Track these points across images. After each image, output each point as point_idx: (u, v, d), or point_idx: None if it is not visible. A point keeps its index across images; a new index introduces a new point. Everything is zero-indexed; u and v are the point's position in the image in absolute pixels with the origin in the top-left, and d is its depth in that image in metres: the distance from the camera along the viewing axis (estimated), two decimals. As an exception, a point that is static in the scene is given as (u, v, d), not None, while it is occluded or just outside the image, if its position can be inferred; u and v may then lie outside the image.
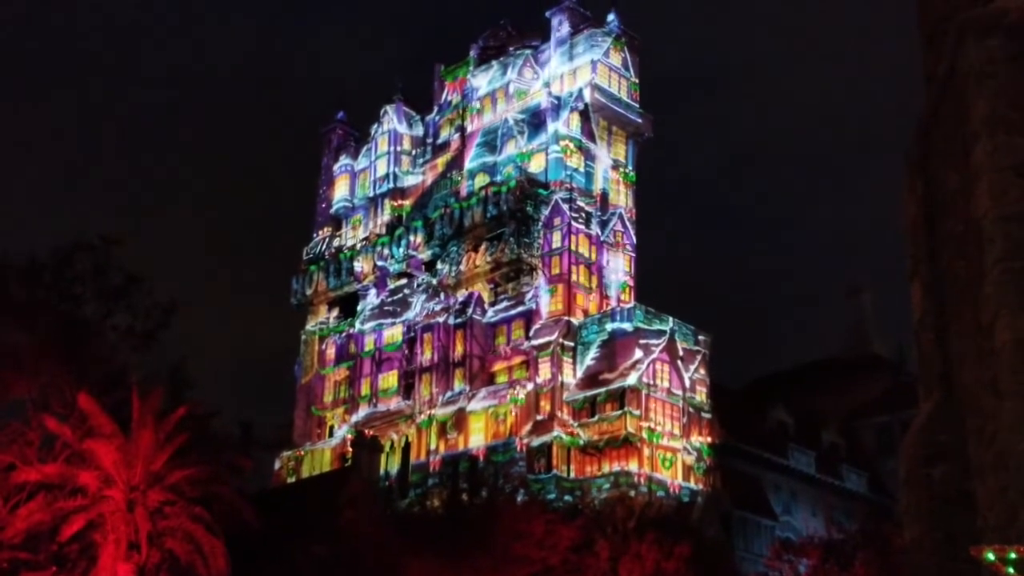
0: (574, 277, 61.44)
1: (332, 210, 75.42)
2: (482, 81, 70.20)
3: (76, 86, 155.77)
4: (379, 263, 69.43)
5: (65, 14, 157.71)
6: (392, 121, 73.67)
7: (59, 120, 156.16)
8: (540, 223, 63.00)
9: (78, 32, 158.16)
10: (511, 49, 70.10)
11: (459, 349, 63.34)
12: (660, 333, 57.63)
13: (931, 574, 14.97)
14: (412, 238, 68.33)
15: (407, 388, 65.15)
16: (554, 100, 65.71)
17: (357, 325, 68.82)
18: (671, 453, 55.80)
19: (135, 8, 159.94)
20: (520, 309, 62.29)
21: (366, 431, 57.24)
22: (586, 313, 60.99)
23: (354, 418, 66.37)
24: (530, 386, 59.42)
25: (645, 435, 55.17)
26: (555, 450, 56.67)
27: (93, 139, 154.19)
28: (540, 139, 65.61)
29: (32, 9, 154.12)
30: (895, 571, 37.43)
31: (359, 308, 69.68)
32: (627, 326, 58.17)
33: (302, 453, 68.18)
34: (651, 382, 56.32)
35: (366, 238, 71.72)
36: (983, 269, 13.36)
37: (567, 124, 64.74)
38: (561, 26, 67.80)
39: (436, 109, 73.18)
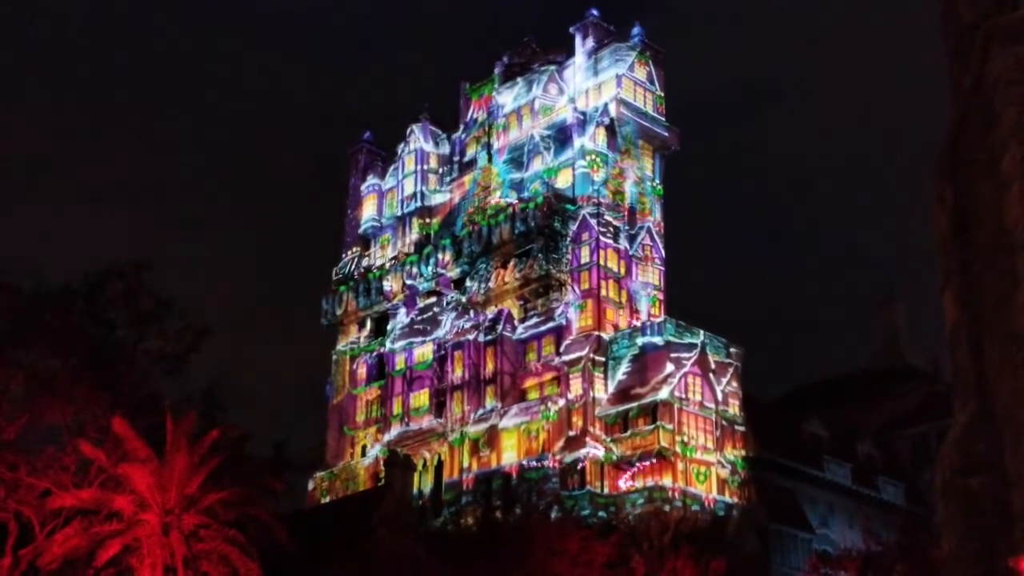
0: (603, 292, 61.31)
1: (360, 230, 75.65)
2: (507, 98, 70.30)
3: (99, 108, 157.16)
4: (408, 282, 69.55)
5: (92, 33, 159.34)
6: (418, 140, 73.88)
7: (83, 144, 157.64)
8: (568, 238, 62.94)
9: (108, 54, 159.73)
10: (536, 65, 70.17)
11: (490, 366, 63.32)
12: (691, 346, 57.38)
13: (970, 587, 14.81)
14: (440, 256, 68.40)
15: (439, 406, 65.16)
16: (580, 115, 65.71)
17: (387, 344, 68.94)
18: (705, 467, 55.49)
19: (156, 27, 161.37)
20: (550, 325, 62.21)
21: (399, 450, 57.29)
22: (616, 328, 60.82)
23: (386, 437, 66.42)
24: (562, 402, 59.31)
25: (678, 449, 54.89)
26: (588, 466, 56.48)
27: (119, 163, 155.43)
28: (566, 154, 65.60)
29: (64, 27, 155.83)
30: (934, 583, 37.06)
31: (389, 327, 69.81)
32: (658, 340, 57.93)
33: (335, 473, 68.30)
34: (683, 396, 56.07)
35: (395, 257, 71.87)
36: (1016, 278, 13.25)
37: (593, 139, 64.71)
38: (585, 41, 67.83)
39: (462, 127, 73.34)
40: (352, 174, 78.04)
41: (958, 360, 15.80)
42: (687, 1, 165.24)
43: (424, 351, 66.85)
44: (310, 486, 68.19)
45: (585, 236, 62.46)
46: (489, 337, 63.64)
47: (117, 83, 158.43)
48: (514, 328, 63.60)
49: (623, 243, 63.04)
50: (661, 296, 63.42)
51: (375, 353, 70.67)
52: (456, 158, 73.02)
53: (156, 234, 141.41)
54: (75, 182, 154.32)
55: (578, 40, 68.27)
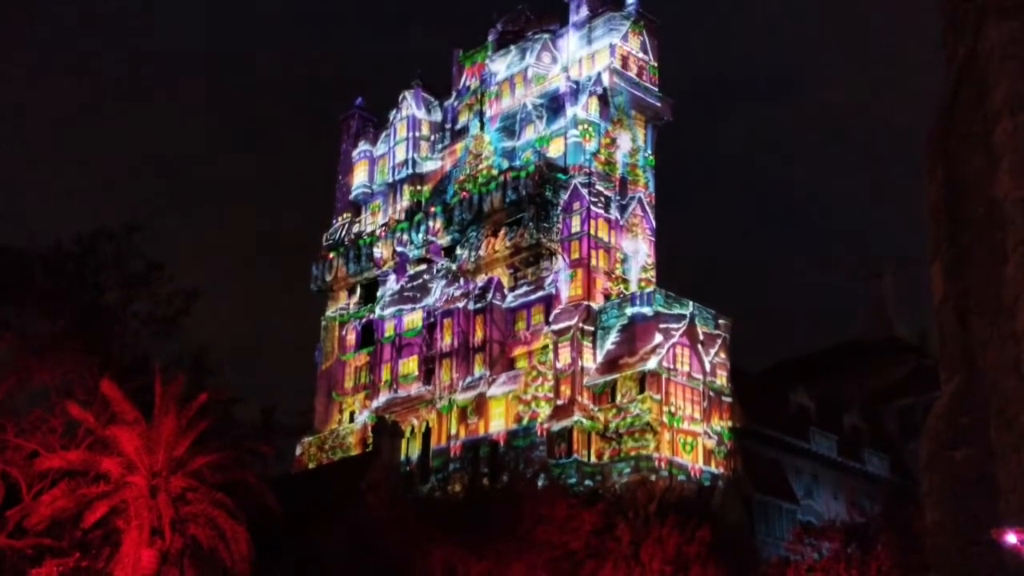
0: (593, 262, 61.35)
1: (351, 196, 75.49)
2: (500, 66, 70.05)
3: (95, 68, 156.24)
4: (398, 249, 69.51)
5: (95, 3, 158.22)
6: (411, 107, 73.62)
7: (71, 106, 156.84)
8: (559, 208, 62.90)
9: (98, 13, 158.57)
10: (529, 33, 69.86)
11: (479, 334, 63.39)
12: (680, 317, 57.50)
13: (953, 557, 14.94)
14: (431, 223, 68.34)
15: (427, 373, 65.27)
16: (572, 84, 65.51)
17: (377, 311, 68.96)
18: (692, 437, 55.75)
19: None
20: (540, 294, 62.26)
21: (387, 416, 57.40)
22: (606, 297, 60.89)
23: (375, 404, 66.56)
24: (550, 372, 59.43)
25: (666, 419, 55.12)
26: (576, 435, 56.69)
27: (107, 124, 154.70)
28: (559, 123, 65.45)
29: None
30: (917, 554, 37.32)
31: (379, 294, 69.82)
32: (647, 310, 58.04)
33: (323, 438, 68.45)
34: (671, 366, 56.25)
35: (385, 224, 71.78)
36: (1005, 251, 13.30)
37: (586, 108, 64.53)
38: (579, 10, 67.54)
39: (455, 94, 73.08)
40: (344, 140, 77.81)
41: (945, 333, 15.86)
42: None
43: (413, 318, 66.90)
44: (298, 451, 68.36)
45: (576, 205, 62.43)
46: (479, 305, 63.69)
47: (101, 39, 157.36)
48: (504, 296, 63.64)
49: (614, 213, 63.03)
50: (651, 266, 63.49)
51: (364, 320, 70.72)
52: (448, 125, 72.79)
53: (148, 198, 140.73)
54: (64, 150, 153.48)
55: (572, 8, 67.97)
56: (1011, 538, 12.42)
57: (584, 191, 62.23)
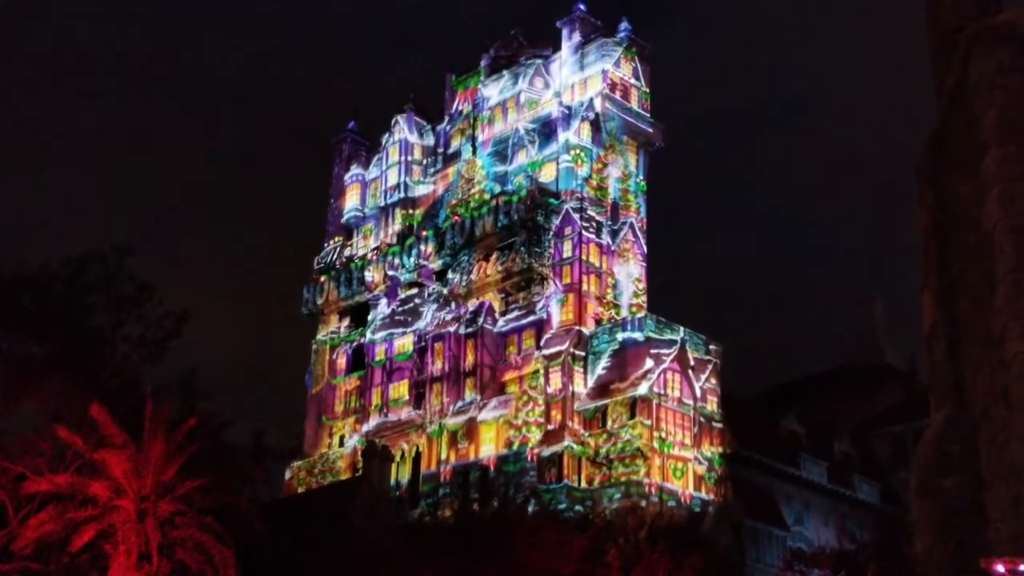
0: (585, 286, 61.41)
1: (343, 220, 75.54)
2: (493, 91, 70.25)
3: (82, 92, 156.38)
4: (390, 272, 69.49)
5: (67, 17, 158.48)
6: (403, 131, 73.76)
7: (67, 128, 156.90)
8: (551, 232, 62.99)
9: (88, 35, 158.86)
10: (522, 59, 70.14)
11: (470, 358, 63.33)
12: (671, 343, 57.54)
13: (943, 586, 14.90)
14: (423, 247, 68.37)
15: (418, 398, 65.17)
16: (565, 110, 65.72)
17: (368, 335, 68.88)
18: (682, 463, 55.66)
19: (142, 10, 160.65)
20: (531, 319, 62.26)
21: (377, 441, 57.24)
22: (597, 322, 60.93)
23: (365, 428, 66.40)
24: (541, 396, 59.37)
25: (656, 445, 55.05)
26: (566, 460, 56.58)
27: (102, 146, 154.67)
28: (551, 148, 65.61)
29: (46, 12, 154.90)
30: (907, 582, 37.29)
31: (370, 318, 69.76)
32: (638, 335, 58.08)
33: (313, 463, 68.22)
34: (662, 392, 56.22)
35: (377, 248, 71.78)
36: (994, 279, 13.34)
37: (578, 134, 64.73)
38: (572, 35, 67.84)
39: (447, 119, 73.25)
40: (336, 163, 77.91)
41: (935, 360, 15.88)
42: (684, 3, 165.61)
43: (404, 342, 66.83)
44: (287, 475, 68.11)
45: (568, 230, 62.52)
46: (470, 329, 63.66)
47: (93, 62, 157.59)
48: (495, 321, 63.63)
49: (605, 238, 63.14)
50: (642, 291, 63.53)
51: (355, 343, 70.61)
52: (440, 150, 72.95)
53: (136, 220, 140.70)
54: (51, 173, 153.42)
55: (565, 34, 68.28)
56: (1000, 567, 12.41)
57: (576, 216, 62.34)
